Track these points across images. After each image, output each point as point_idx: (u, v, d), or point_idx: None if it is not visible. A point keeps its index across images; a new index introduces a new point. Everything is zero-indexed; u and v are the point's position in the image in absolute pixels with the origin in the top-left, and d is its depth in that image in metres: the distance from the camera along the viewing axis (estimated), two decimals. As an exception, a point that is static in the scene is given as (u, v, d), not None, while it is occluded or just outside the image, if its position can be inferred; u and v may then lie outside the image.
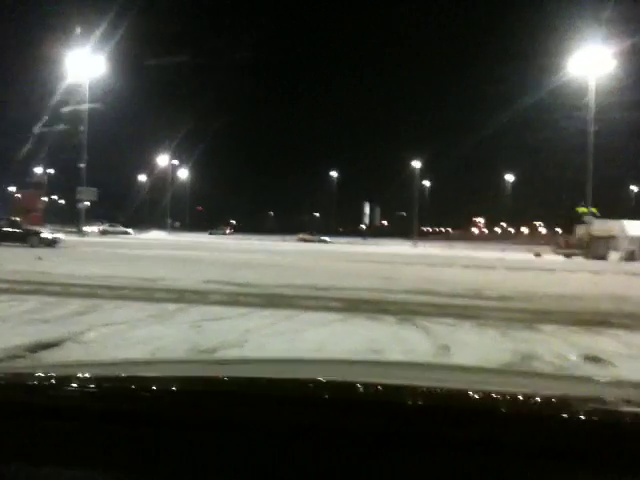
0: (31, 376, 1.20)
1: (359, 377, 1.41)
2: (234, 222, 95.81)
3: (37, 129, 48.01)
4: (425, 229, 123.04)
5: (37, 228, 29.25)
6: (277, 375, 1.40)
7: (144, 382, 1.19)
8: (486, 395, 1.15)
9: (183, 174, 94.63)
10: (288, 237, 72.05)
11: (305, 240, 66.08)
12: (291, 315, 7.79)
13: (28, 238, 26.08)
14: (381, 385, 1.24)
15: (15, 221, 29.24)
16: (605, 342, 6.57)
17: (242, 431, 0.90)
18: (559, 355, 5.74)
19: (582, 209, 44.80)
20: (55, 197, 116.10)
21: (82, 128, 47.01)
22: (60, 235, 28.71)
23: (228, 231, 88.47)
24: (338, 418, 0.93)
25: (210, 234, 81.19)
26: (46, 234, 27.18)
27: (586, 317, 8.37)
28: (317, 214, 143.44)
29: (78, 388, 1.09)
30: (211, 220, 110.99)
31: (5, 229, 27.14)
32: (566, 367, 5.33)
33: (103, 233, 66.31)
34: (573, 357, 5.74)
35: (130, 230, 73.47)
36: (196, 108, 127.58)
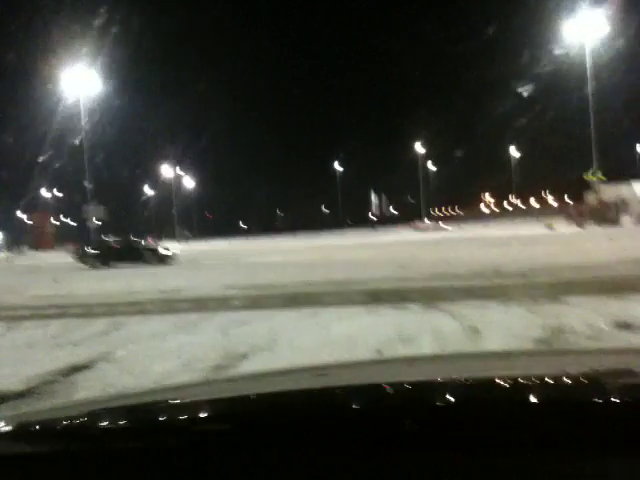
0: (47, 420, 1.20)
1: (383, 378, 1.40)
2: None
3: (40, 153, 48.38)
4: (434, 213, 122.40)
5: (153, 245, 27.67)
6: (300, 387, 1.39)
7: (170, 411, 1.18)
8: (514, 381, 1.15)
9: (189, 183, 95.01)
10: (299, 235, 71.75)
11: (420, 228, 64.11)
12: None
13: (145, 256, 24.74)
14: (408, 383, 1.24)
15: (129, 239, 28.10)
16: (634, 308, 6.56)
17: (271, 449, 0.89)
18: (590, 325, 5.73)
19: (590, 176, 44.48)
20: (64, 218, 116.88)
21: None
22: (174, 251, 26.59)
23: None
24: (370, 423, 0.92)
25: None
26: (163, 251, 25.55)
27: (610, 285, 8.34)
28: (324, 208, 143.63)
29: (101, 427, 1.09)
30: (221, 225, 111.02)
31: (117, 246, 26.24)
32: (598, 336, 5.33)
33: None
34: (604, 326, 5.73)
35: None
36: (195, 114, 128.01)
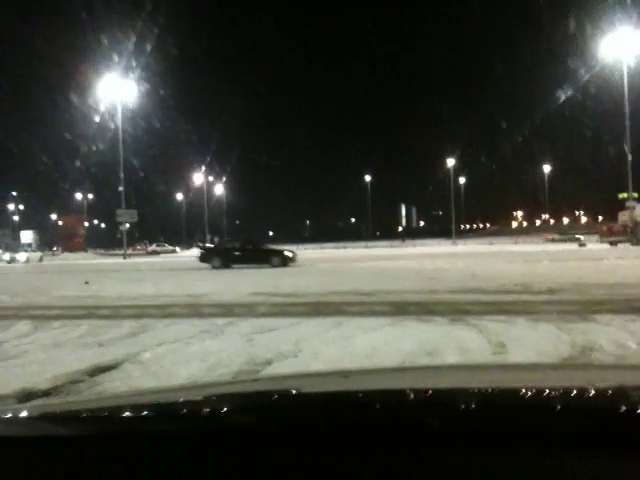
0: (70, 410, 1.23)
1: (408, 384, 1.41)
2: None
3: (75, 158, 49.40)
4: (463, 226, 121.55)
5: (278, 247, 27.91)
6: (322, 389, 1.41)
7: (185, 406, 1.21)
8: (539, 392, 1.15)
9: (218, 190, 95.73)
10: (326, 244, 71.81)
11: (555, 240, 62.01)
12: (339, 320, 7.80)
13: (270, 258, 24.66)
14: (432, 390, 1.24)
15: (250, 241, 27.99)
16: (665, 328, 6.43)
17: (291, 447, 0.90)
18: (619, 344, 5.62)
19: (623, 195, 43.83)
20: (95, 222, 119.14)
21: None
22: (295, 252, 26.66)
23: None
24: (389, 425, 0.93)
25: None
26: (288, 253, 25.36)
27: (641, 304, 8.19)
28: (353, 219, 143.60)
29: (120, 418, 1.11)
30: (248, 232, 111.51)
31: (239, 248, 26.26)
32: (627, 356, 5.23)
33: (150, 253, 67.39)
34: (633, 345, 5.63)
35: (177, 248, 74.71)
36: (227, 123, 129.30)
